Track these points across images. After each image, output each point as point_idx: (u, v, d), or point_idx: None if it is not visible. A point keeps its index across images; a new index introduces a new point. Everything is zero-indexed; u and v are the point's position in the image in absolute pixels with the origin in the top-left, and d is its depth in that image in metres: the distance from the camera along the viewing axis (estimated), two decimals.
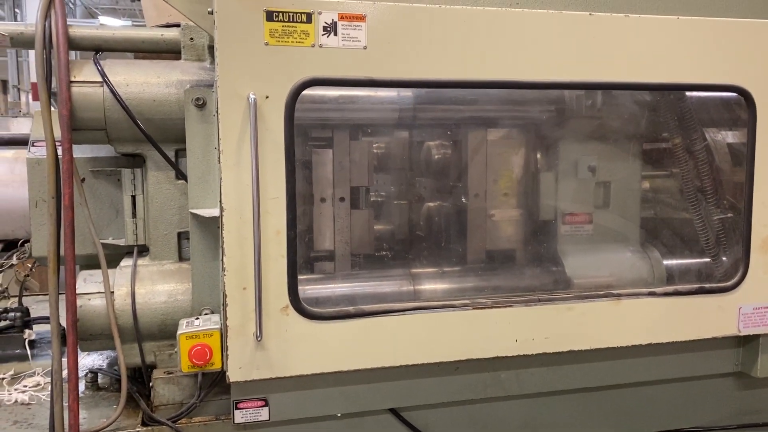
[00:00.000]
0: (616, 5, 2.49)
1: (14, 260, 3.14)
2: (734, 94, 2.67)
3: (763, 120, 2.64)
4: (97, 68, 2.50)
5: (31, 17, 18.70)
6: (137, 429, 2.51)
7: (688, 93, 2.82)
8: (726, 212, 2.89)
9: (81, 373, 2.72)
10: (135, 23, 22.08)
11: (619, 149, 3.03)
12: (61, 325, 2.41)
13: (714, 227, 2.90)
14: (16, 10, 20.29)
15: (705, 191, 2.88)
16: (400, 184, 2.96)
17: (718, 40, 2.56)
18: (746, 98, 2.63)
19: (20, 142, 3.47)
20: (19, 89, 21.00)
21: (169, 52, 2.71)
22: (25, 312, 3.37)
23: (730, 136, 2.97)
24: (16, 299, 3.56)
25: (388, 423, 2.62)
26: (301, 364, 2.33)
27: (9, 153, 3.17)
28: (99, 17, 23.00)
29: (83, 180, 2.68)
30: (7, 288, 3.85)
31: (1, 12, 21.00)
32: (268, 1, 2.14)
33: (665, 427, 2.94)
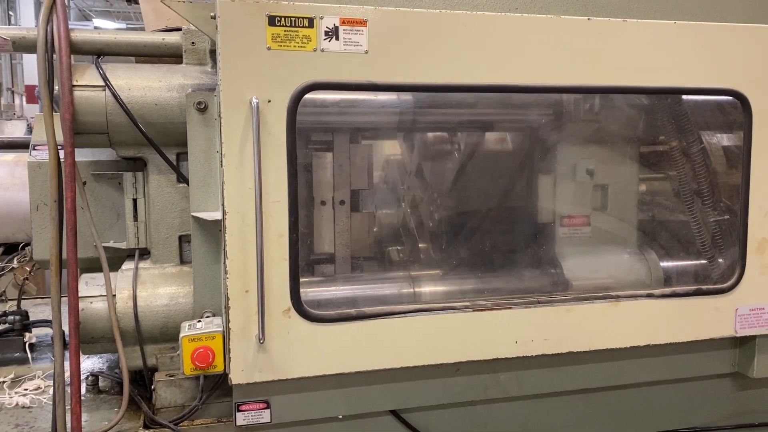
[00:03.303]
0: (614, 10, 2.52)
1: (15, 263, 3.14)
2: (730, 98, 2.70)
3: (759, 123, 2.67)
4: (99, 72, 2.51)
5: (24, 19, 18.67)
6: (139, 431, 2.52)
7: (684, 96, 2.85)
8: (722, 214, 2.92)
9: (82, 376, 2.72)
10: (130, 26, 22.05)
11: (616, 152, 3.06)
12: (62, 329, 2.42)
13: (710, 229, 2.93)
14: (10, 12, 20.25)
15: (701, 194, 2.91)
16: (400, 187, 2.98)
17: (714, 44, 2.59)
18: (742, 102, 2.66)
19: (20, 145, 3.49)
20: (13, 92, 20.94)
21: (170, 56, 2.72)
22: (25, 315, 3.37)
23: (726, 139, 3.00)
24: (14, 302, 3.56)
25: (389, 424, 2.63)
26: (303, 367, 2.34)
27: (9, 156, 3.18)
28: (93, 20, 22.95)
29: (84, 183, 2.69)
30: (4, 291, 3.85)
31: None
32: (271, 6, 2.16)
33: (663, 428, 2.97)
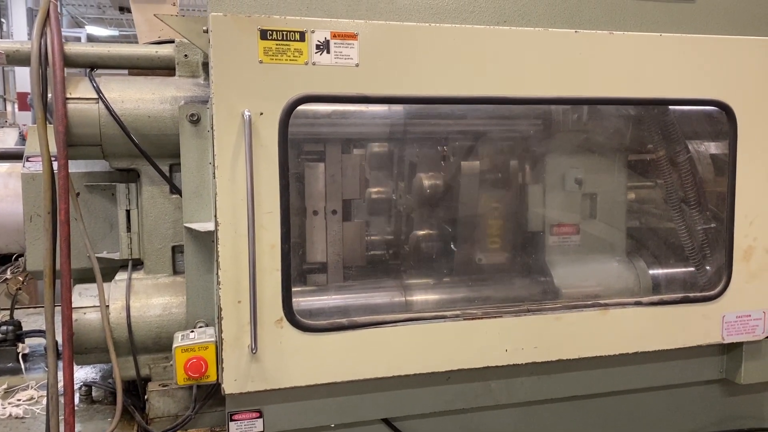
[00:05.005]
0: (601, 23, 2.55)
1: (8, 274, 3.15)
2: (716, 108, 2.74)
3: (744, 133, 2.71)
4: (93, 85, 2.53)
5: (16, 28, 18.61)
6: None
7: (671, 106, 2.89)
8: (709, 222, 2.96)
9: (75, 387, 2.73)
10: (122, 32, 22.03)
11: (605, 161, 3.09)
12: (55, 339, 2.43)
13: (698, 237, 2.96)
14: (2, 19, 20.18)
15: (689, 202, 2.95)
16: (391, 197, 3.01)
17: (699, 56, 2.63)
18: (727, 112, 2.70)
19: (13, 156, 3.50)
20: (5, 99, 20.86)
21: (163, 68, 2.74)
22: (18, 325, 3.37)
23: (712, 148, 3.04)
24: (6, 312, 3.56)
25: None
26: (296, 376, 2.36)
27: (3, 167, 3.19)
28: (85, 27, 22.91)
29: (78, 194, 2.70)
30: None
31: None
32: (262, 20, 2.19)
33: None
